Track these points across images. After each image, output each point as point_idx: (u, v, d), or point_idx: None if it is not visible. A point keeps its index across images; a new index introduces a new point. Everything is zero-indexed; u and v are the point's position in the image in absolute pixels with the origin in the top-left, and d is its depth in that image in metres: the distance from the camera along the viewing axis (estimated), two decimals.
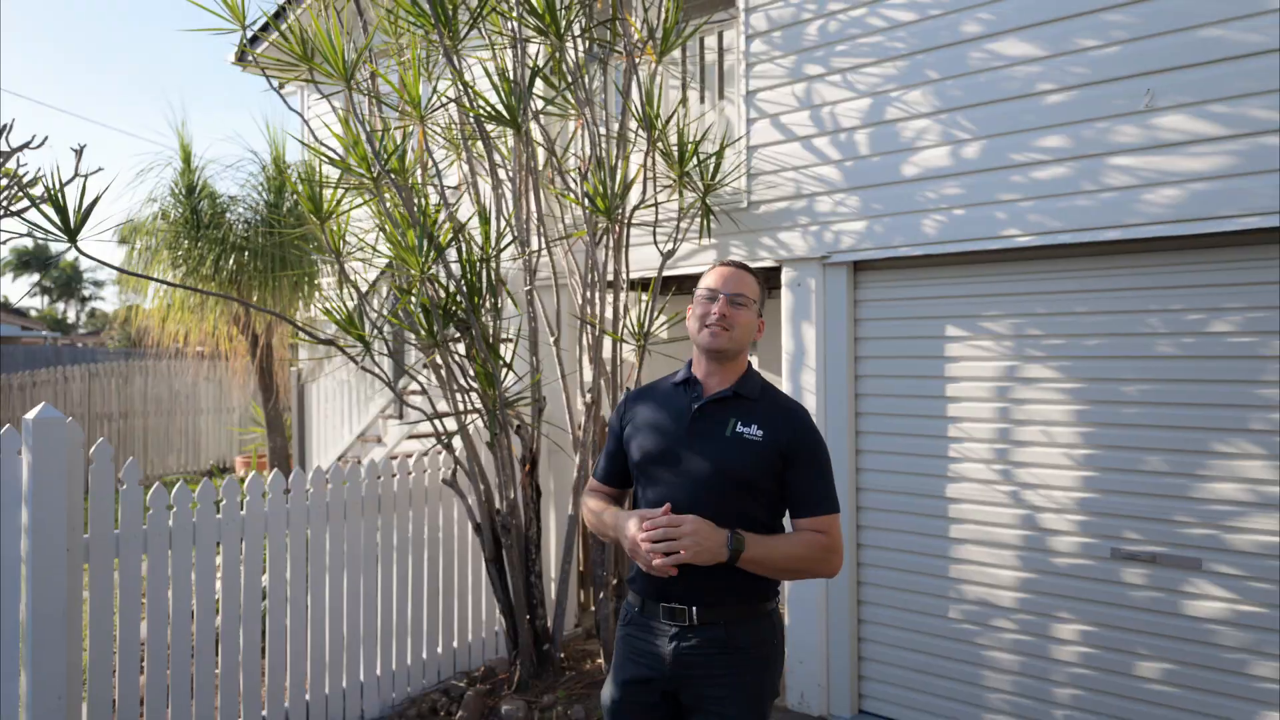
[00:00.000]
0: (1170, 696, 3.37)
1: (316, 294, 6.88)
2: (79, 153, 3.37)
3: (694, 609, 2.14)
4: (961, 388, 3.89)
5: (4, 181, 3.24)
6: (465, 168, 4.28)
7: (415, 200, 3.79)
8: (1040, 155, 3.56)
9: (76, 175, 3.29)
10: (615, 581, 4.47)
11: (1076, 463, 3.60)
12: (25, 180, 3.37)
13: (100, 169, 3.37)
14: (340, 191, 3.90)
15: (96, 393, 12.03)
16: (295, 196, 6.32)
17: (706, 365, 2.25)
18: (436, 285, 3.83)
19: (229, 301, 6.28)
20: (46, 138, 3.57)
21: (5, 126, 3.24)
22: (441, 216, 4.09)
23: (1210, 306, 3.31)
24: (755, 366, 2.33)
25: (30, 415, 3.18)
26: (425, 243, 3.46)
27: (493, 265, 3.92)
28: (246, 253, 5.82)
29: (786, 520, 2.24)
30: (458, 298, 3.72)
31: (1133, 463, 3.47)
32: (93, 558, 3.38)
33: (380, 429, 6.89)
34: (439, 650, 4.66)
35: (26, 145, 3.52)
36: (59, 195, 3.07)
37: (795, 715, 4.18)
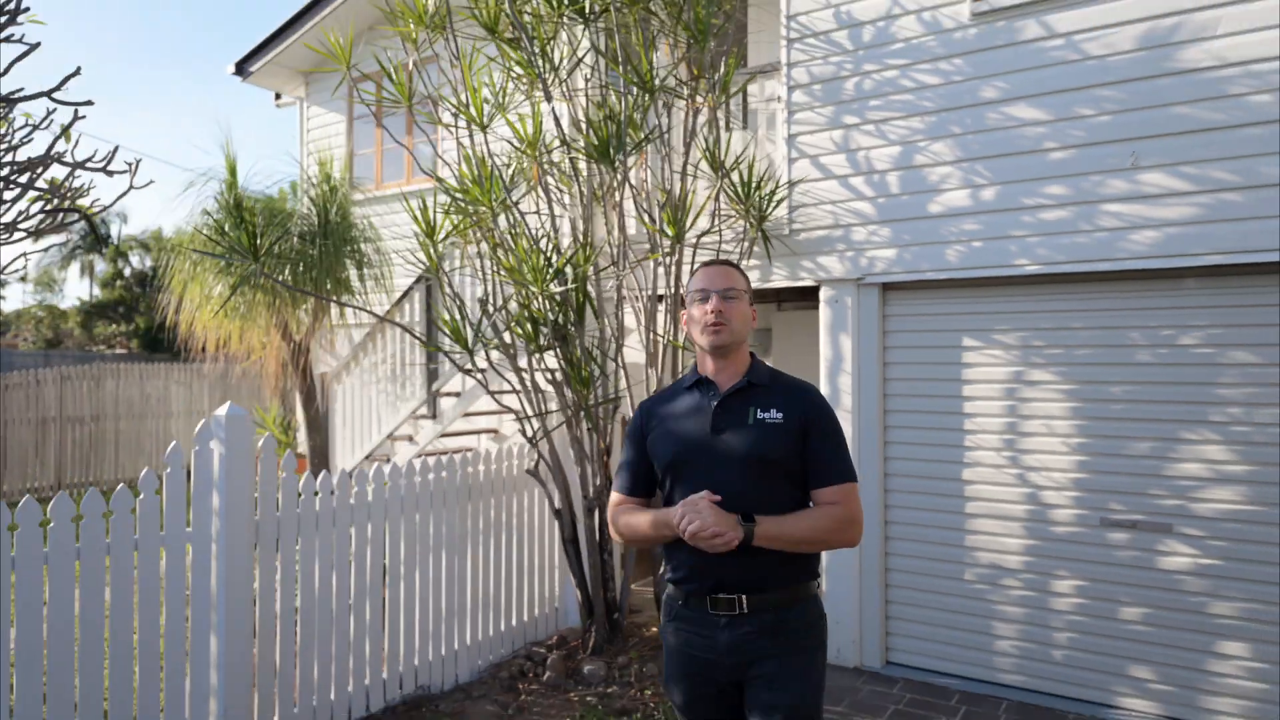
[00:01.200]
0: (1148, 634, 4.23)
1: (355, 299, 7.32)
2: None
3: (743, 597, 2.19)
4: (975, 389, 4.69)
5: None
6: (549, 197, 4.87)
7: (538, 227, 4.35)
8: (1045, 200, 4.39)
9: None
10: None
11: (1071, 449, 4.44)
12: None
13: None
14: (450, 216, 4.46)
15: (69, 396, 11.94)
16: (339, 209, 6.77)
17: (714, 363, 2.32)
18: (550, 300, 4.42)
19: (271, 308, 6.67)
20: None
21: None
22: (546, 242, 4.69)
23: (1180, 324, 4.19)
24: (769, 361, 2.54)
25: (221, 411, 3.65)
26: (546, 264, 4.06)
27: (588, 283, 4.54)
28: (301, 264, 6.24)
29: None
30: (567, 310, 4.33)
31: (1117, 448, 4.33)
32: (261, 537, 3.86)
33: (411, 429, 7.37)
34: (513, 623, 5.23)
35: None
36: (252, 224, 3.55)
37: (832, 669, 4.91)
